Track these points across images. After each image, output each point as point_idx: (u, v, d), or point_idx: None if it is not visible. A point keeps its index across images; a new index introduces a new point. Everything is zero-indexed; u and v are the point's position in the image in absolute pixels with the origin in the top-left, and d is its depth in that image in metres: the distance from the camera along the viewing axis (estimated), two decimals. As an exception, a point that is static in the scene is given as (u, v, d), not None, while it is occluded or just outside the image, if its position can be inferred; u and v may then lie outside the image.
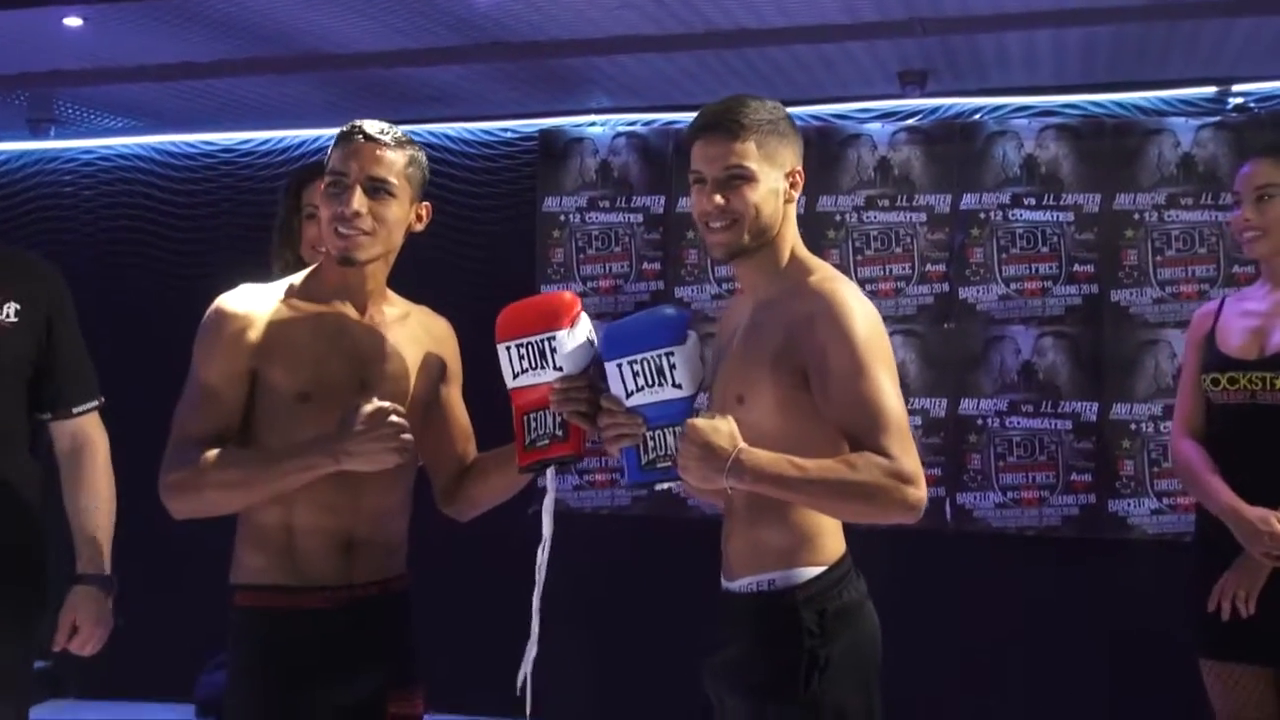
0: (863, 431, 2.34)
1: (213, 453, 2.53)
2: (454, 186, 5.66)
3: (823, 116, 5.31)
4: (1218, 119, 5.01)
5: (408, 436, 2.52)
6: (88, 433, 3.22)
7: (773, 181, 2.52)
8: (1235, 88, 5.01)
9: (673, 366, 2.50)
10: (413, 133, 5.48)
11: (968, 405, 5.21)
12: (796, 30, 4.33)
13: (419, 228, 2.73)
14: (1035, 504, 5.14)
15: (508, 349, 2.64)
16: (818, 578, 2.49)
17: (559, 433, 2.61)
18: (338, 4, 4.09)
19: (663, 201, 5.45)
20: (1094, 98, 5.13)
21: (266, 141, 5.90)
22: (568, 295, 2.67)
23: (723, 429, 2.36)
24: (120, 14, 4.19)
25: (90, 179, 6.12)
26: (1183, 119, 5.04)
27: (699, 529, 5.28)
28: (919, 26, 4.26)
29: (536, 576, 2.65)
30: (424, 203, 2.72)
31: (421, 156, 2.70)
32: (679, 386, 2.50)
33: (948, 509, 5.19)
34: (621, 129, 5.53)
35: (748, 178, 2.50)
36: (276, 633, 2.59)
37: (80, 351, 3.25)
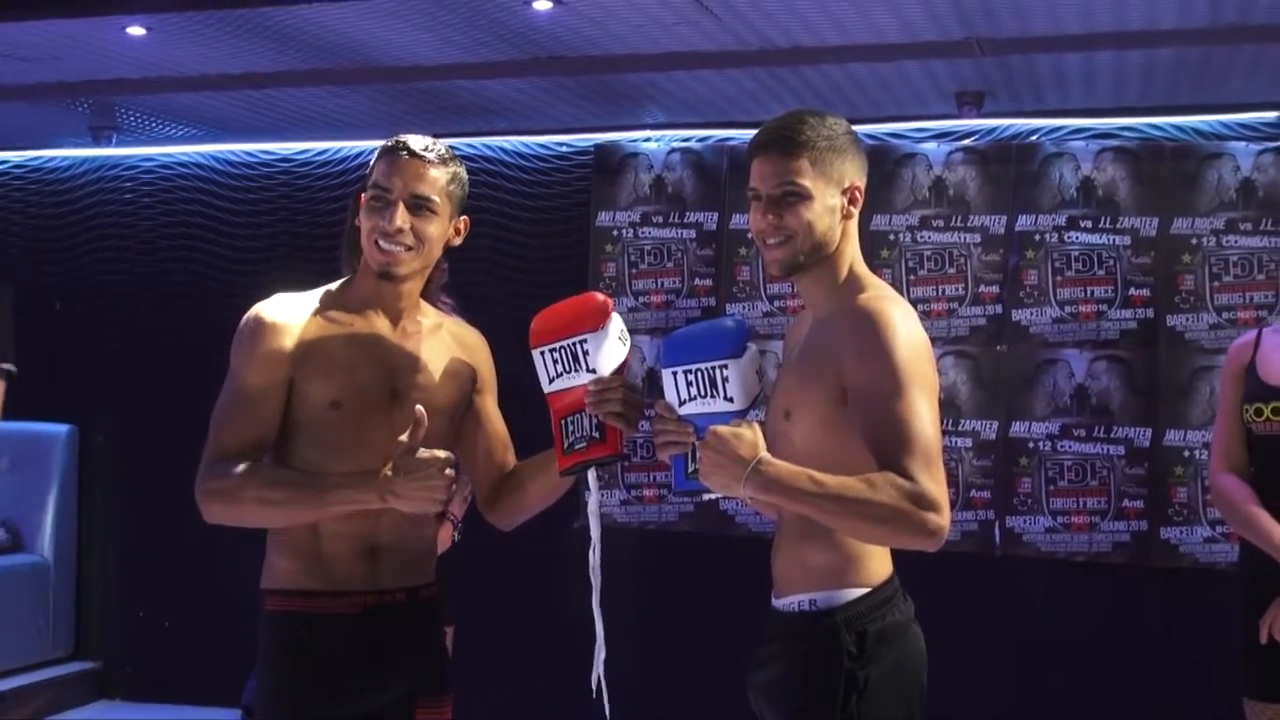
0: (889, 452, 2.31)
1: (258, 467, 2.57)
2: (509, 199, 5.70)
3: (878, 135, 5.29)
4: (1278, 144, 4.96)
5: (454, 486, 2.55)
6: None
7: (829, 198, 2.52)
8: (1297, 113, 4.97)
9: (726, 379, 2.50)
10: (470, 145, 5.61)
11: (1019, 428, 5.17)
12: (853, 49, 4.32)
13: (457, 242, 2.76)
14: (1086, 529, 5.10)
15: (541, 354, 2.67)
16: (860, 599, 2.48)
17: (596, 434, 2.62)
18: (397, 17, 4.12)
19: (715, 218, 5.46)
20: (1153, 120, 5.09)
21: (325, 152, 5.95)
22: (599, 297, 2.69)
23: (746, 437, 2.35)
24: (182, 24, 4.23)
25: (150, 186, 6.19)
26: (1243, 143, 4.99)
27: (745, 546, 5.29)
28: (977, 47, 4.24)
29: (592, 580, 2.66)
30: (463, 217, 2.75)
31: (463, 173, 2.73)
32: (730, 400, 2.50)
33: (997, 532, 5.15)
34: (676, 145, 5.54)
35: (802, 195, 2.49)
36: (305, 636, 2.62)
37: None
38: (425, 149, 2.64)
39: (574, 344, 2.63)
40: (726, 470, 2.35)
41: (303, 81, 4.88)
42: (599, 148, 5.64)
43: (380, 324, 2.71)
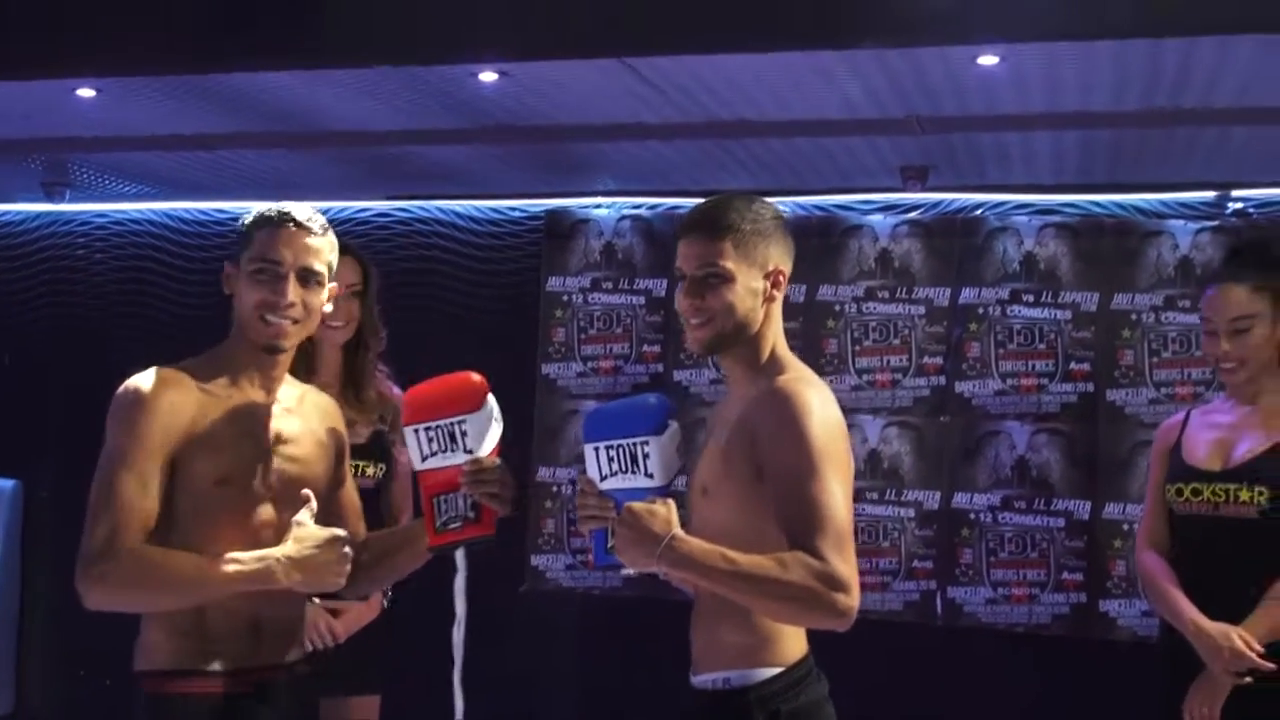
0: (800, 531, 2.35)
1: (158, 551, 2.52)
2: (460, 263, 5.72)
3: (825, 206, 5.35)
4: (1216, 223, 5.03)
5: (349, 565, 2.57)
6: None
7: (751, 281, 2.57)
8: (1235, 193, 5.04)
9: (646, 456, 2.54)
10: (422, 208, 5.64)
11: (961, 499, 5.21)
12: (795, 124, 4.38)
13: (329, 309, 2.78)
14: (1026, 600, 5.13)
15: (415, 432, 2.70)
16: (774, 678, 2.50)
17: (471, 514, 2.67)
18: (344, 85, 4.15)
19: (664, 285, 5.49)
20: (1094, 198, 5.16)
21: (277, 211, 5.96)
22: (476, 377, 2.73)
23: (659, 514, 2.40)
24: (132, 86, 4.25)
25: (103, 241, 6.18)
26: (1181, 221, 5.06)
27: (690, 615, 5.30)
28: (917, 125, 4.30)
29: (455, 656, 2.70)
30: (332, 284, 2.76)
31: (335, 240, 2.75)
32: (650, 476, 2.54)
33: (938, 603, 5.18)
34: (627, 212, 5.58)
35: (724, 277, 2.55)
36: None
37: None
38: (309, 220, 2.66)
39: (451, 424, 2.66)
40: (640, 546, 2.39)
41: (253, 144, 4.90)
42: (550, 213, 5.67)
43: (256, 395, 2.70)
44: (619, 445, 2.57)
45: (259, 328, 2.64)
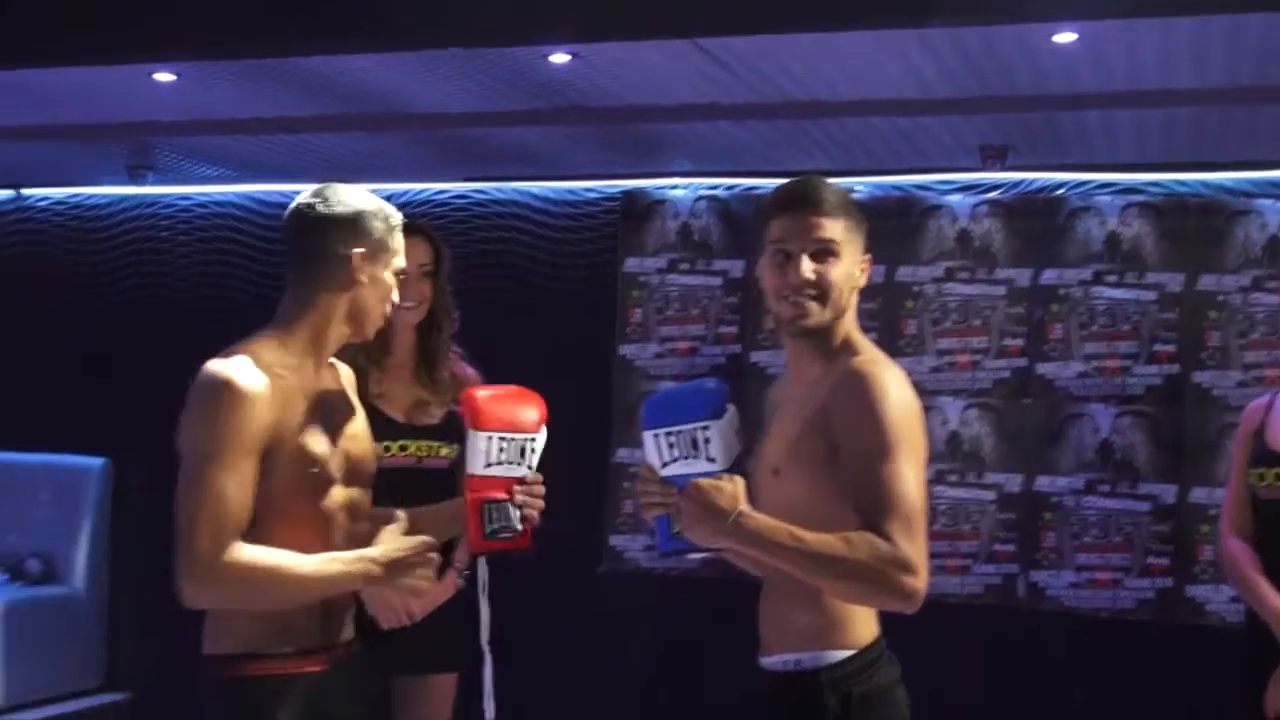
0: (871, 511, 2.34)
1: (262, 552, 2.52)
2: (537, 244, 5.73)
3: (903, 186, 5.29)
4: (1307, 202, 4.92)
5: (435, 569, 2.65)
6: None
7: (851, 264, 2.58)
8: (1325, 171, 4.92)
9: (708, 440, 2.53)
10: (499, 190, 5.67)
11: (1043, 482, 5.14)
12: (869, 104, 4.33)
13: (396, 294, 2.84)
14: (1110, 585, 5.05)
15: (490, 438, 2.75)
16: (846, 660, 2.49)
17: (519, 527, 2.75)
18: (419, 68, 4.16)
19: (741, 266, 5.45)
20: (1179, 176, 5.05)
21: (358, 194, 6.00)
22: (537, 395, 2.84)
23: (726, 489, 2.39)
24: (210, 71, 4.30)
25: (186, 224, 6.27)
26: (1270, 201, 4.94)
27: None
28: (993, 104, 4.23)
29: (486, 656, 2.77)
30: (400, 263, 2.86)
31: None
32: (712, 460, 2.52)
33: (1020, 586, 5.12)
34: (703, 193, 5.55)
35: (837, 254, 2.55)
36: (275, 701, 2.62)
37: None
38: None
39: (524, 440, 2.76)
40: (707, 522, 2.39)
41: (332, 127, 4.94)
42: (627, 194, 5.66)
43: (321, 377, 2.73)
44: (679, 431, 2.56)
45: (377, 320, 2.75)
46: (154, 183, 6.05)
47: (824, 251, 2.54)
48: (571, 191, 5.75)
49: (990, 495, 5.17)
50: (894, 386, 2.46)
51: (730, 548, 2.43)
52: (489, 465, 2.74)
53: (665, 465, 2.57)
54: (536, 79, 4.24)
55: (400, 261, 2.75)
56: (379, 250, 2.70)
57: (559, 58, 4.00)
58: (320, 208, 2.70)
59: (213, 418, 2.53)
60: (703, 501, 2.39)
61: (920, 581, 2.31)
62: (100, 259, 6.37)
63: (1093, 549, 5.08)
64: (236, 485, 2.51)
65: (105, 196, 6.35)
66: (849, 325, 2.62)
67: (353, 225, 2.68)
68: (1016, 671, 5.08)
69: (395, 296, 2.76)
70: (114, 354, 6.29)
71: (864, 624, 2.53)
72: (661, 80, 4.21)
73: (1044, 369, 5.16)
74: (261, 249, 6.13)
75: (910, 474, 2.38)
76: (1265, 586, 3.28)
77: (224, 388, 2.53)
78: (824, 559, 2.31)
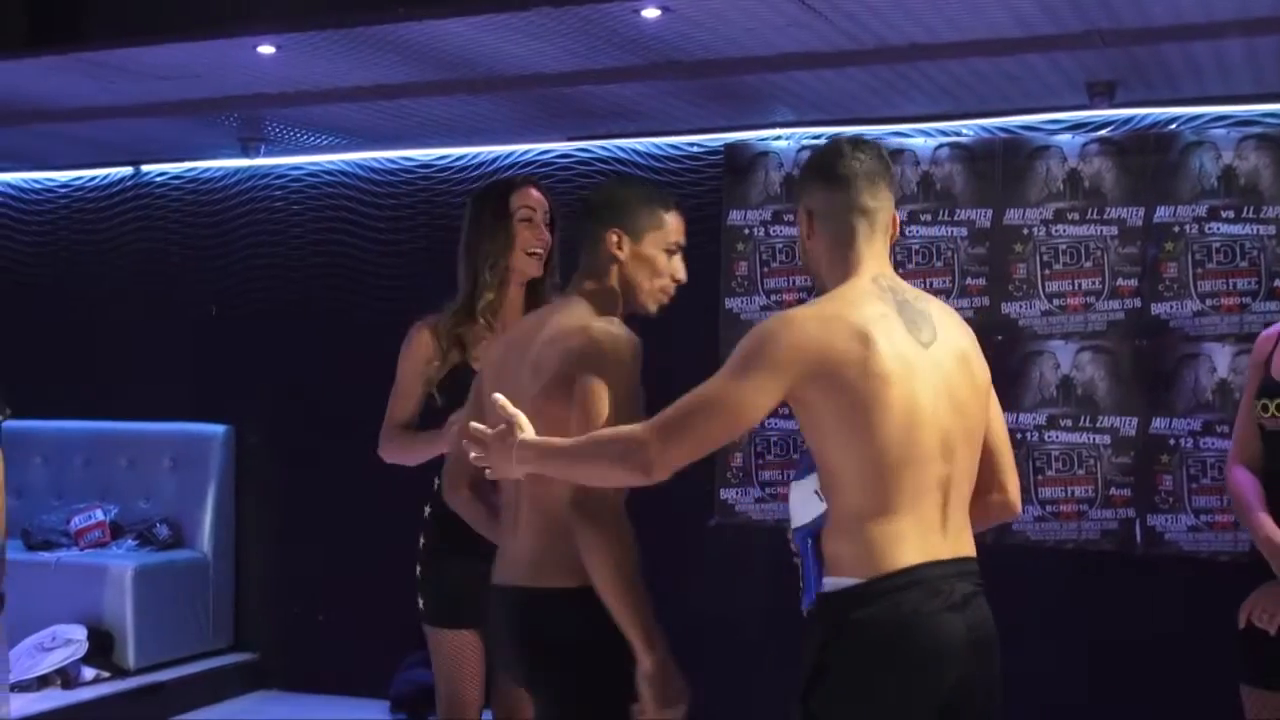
0: None
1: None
2: (641, 200, 5.73)
3: (1009, 128, 5.19)
4: None
5: None
6: None
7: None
8: None
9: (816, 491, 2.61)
10: (602, 148, 5.70)
11: (1160, 424, 5.04)
12: (970, 45, 4.26)
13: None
14: (1230, 527, 4.94)
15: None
16: (852, 588, 2.48)
17: None
18: (511, 29, 4.18)
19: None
20: (1299, 105, 4.90)
21: (463, 157, 6.06)
22: None
23: (503, 431, 2.68)
24: (309, 41, 4.36)
25: (298, 194, 6.39)
26: (1397, 126, 4.78)
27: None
28: (1098, 38, 4.14)
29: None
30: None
31: None
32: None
33: (1138, 530, 5.03)
34: (806, 143, 5.51)
35: None
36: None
37: None
38: None
39: None
40: (504, 455, 2.68)
41: (430, 92, 4.98)
42: (729, 147, 5.64)
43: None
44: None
45: (658, 298, 3.01)
46: (266, 154, 6.16)
47: None
48: (674, 146, 5.75)
49: (1105, 439, 5.09)
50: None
51: (528, 471, 2.68)
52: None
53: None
54: (629, 35, 4.24)
55: (674, 236, 3.02)
56: (650, 231, 2.99)
57: (650, 12, 3.99)
58: None
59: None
60: (488, 442, 2.69)
61: (652, 453, 2.49)
62: (217, 231, 6.52)
63: (1212, 491, 4.97)
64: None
65: (220, 170, 6.50)
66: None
67: (629, 211, 3.02)
68: (1134, 617, 5.00)
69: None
70: (233, 323, 6.44)
71: (882, 555, 2.46)
72: (755, 31, 4.18)
73: (1159, 309, 5.05)
74: (373, 215, 6.23)
75: (707, 388, 2.54)
76: (1260, 518, 3.21)
77: (623, 344, 2.84)
78: (572, 451, 2.60)
